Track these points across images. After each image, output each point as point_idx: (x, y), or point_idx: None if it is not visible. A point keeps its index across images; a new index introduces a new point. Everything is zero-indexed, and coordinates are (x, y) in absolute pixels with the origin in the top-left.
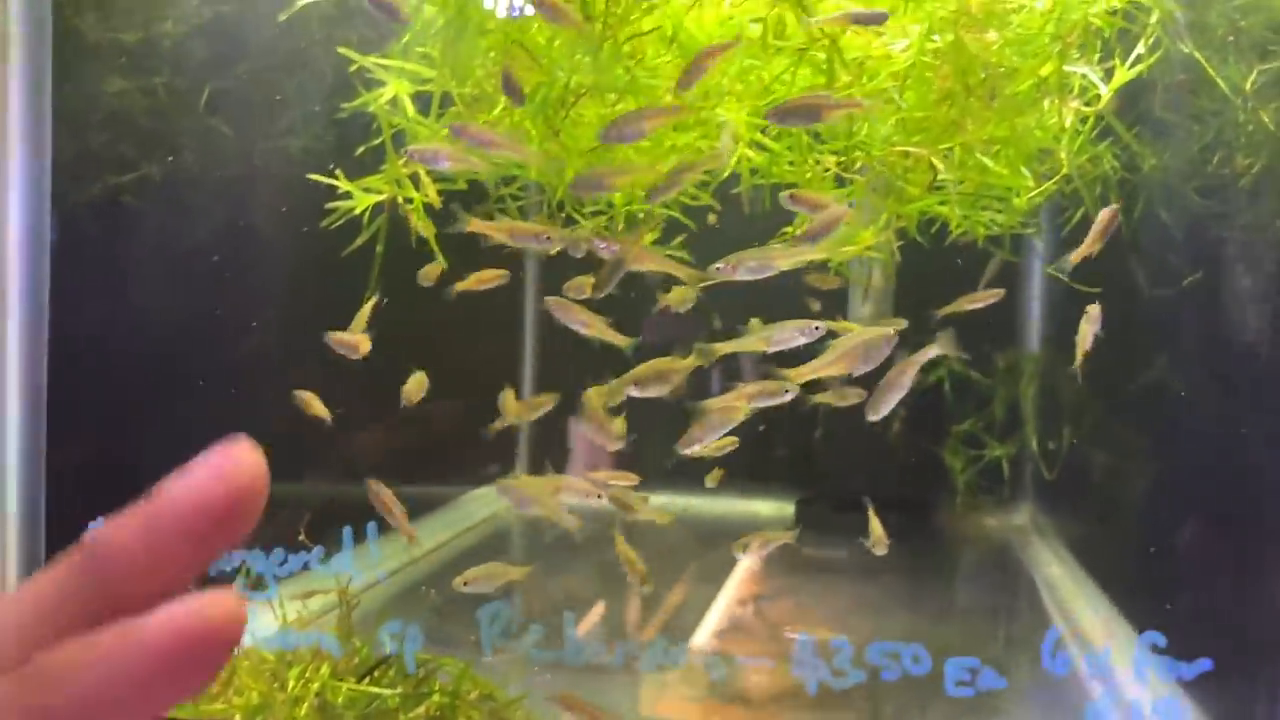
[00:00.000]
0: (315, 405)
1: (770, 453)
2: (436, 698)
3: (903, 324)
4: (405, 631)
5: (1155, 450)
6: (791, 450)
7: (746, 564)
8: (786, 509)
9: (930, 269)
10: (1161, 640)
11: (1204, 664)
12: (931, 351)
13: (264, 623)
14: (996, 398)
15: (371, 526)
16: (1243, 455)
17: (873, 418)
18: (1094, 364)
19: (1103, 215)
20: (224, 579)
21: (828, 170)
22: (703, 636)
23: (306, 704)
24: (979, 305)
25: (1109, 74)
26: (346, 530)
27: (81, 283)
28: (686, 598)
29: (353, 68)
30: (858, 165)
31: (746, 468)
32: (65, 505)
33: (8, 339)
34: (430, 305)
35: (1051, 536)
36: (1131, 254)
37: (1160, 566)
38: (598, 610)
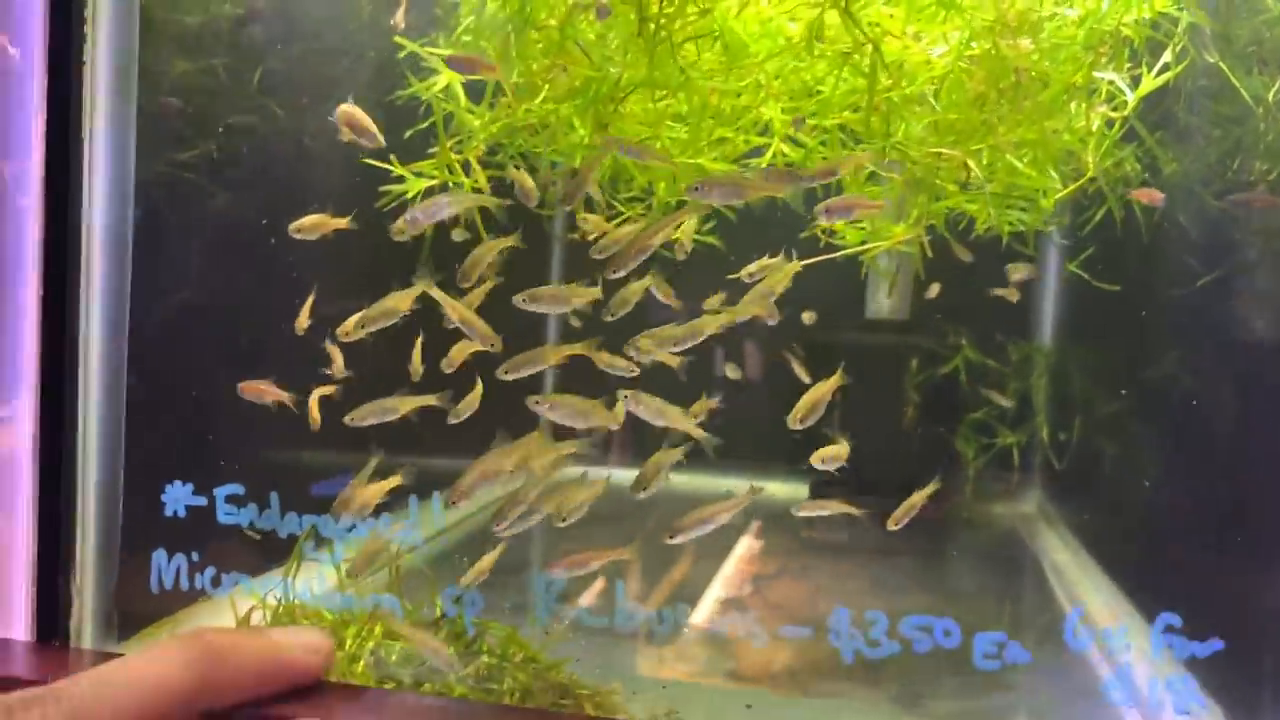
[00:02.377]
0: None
1: (785, 435)
2: (485, 659)
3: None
4: (465, 596)
5: (1161, 442)
6: (806, 433)
7: (746, 544)
8: (800, 491)
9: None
10: (1177, 620)
11: (1216, 644)
12: None
13: (326, 584)
14: (1009, 388)
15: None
16: (1248, 449)
17: None
18: (1108, 358)
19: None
20: (290, 541)
21: (860, 167)
22: (700, 614)
23: (362, 662)
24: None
25: (1136, 80)
26: (412, 499)
27: (155, 259)
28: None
29: (402, 53)
30: (886, 161)
31: (764, 453)
32: (143, 470)
33: (92, 318)
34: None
35: (1059, 524)
36: (1149, 253)
37: (1164, 552)
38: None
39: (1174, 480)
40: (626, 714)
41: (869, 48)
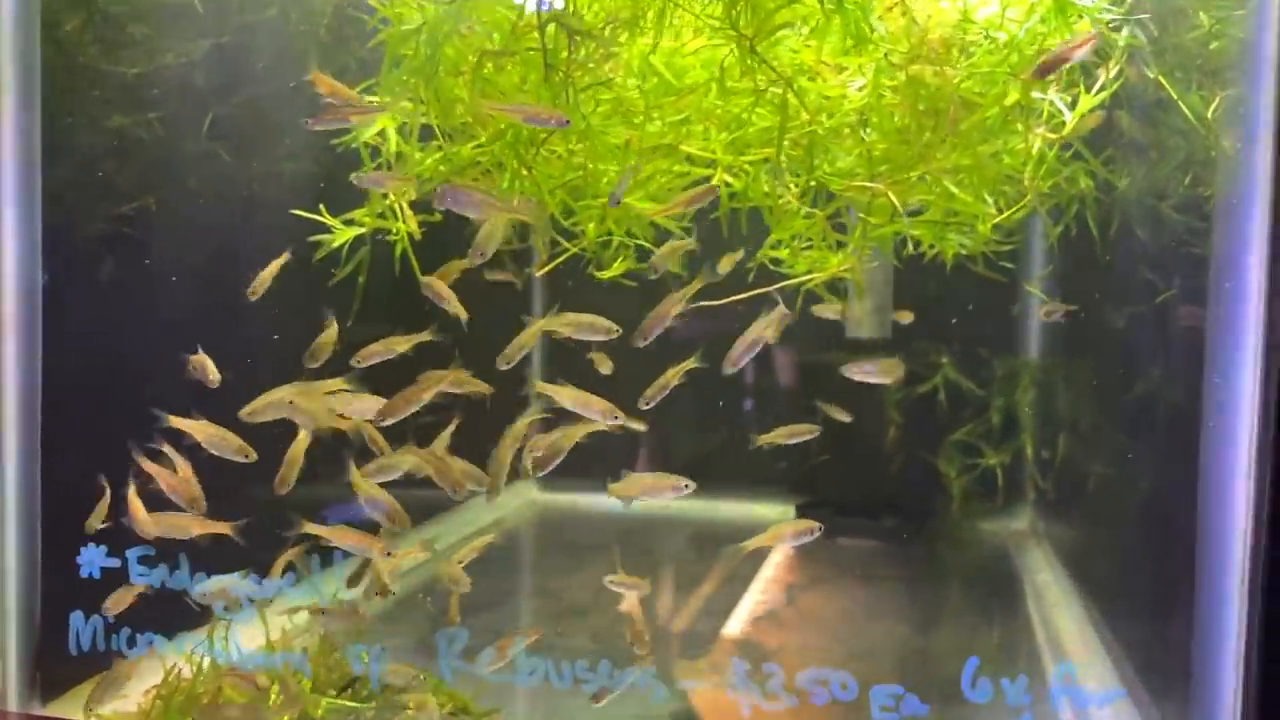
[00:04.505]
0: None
1: (773, 459)
2: (410, 712)
3: None
4: (372, 652)
5: (1142, 459)
6: (793, 457)
7: (779, 555)
8: (789, 513)
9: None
10: (1074, 671)
11: (1118, 693)
12: None
13: (248, 641)
14: (993, 405)
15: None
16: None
17: None
18: (1087, 374)
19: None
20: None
21: (801, 197)
22: (734, 625)
23: (288, 717)
24: None
25: (1076, 100)
26: (315, 559)
27: (85, 308)
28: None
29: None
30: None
31: (751, 474)
32: (59, 517)
33: (5, 383)
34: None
35: (1046, 542)
36: (1112, 271)
37: (1138, 575)
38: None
39: (1155, 498)
40: None
41: (783, 84)
